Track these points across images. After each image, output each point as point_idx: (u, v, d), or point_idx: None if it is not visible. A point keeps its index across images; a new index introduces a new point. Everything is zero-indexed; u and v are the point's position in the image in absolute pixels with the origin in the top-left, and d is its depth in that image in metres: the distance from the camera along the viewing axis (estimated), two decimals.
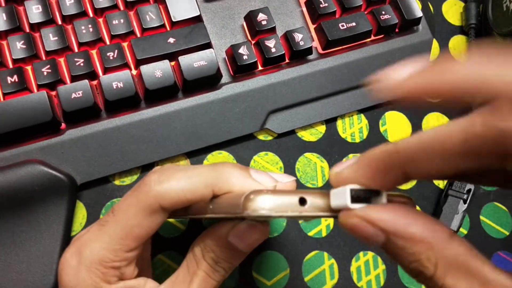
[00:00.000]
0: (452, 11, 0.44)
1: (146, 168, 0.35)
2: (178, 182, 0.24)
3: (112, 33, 0.35)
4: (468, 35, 0.42)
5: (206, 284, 0.25)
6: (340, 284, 0.34)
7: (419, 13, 0.39)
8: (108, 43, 0.35)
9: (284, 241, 0.35)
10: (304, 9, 0.39)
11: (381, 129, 0.39)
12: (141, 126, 0.34)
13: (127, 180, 0.35)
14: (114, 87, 0.33)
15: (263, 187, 0.24)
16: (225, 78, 0.37)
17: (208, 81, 0.35)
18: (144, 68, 0.34)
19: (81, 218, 0.34)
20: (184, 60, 0.35)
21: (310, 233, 0.35)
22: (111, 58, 0.34)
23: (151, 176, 0.24)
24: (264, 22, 0.37)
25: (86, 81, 0.33)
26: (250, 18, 0.37)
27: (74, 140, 0.33)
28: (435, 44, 0.42)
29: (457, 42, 0.43)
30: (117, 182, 0.35)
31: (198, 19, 0.36)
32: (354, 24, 0.38)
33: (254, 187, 0.24)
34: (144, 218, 0.24)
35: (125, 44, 0.35)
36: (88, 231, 0.26)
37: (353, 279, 0.35)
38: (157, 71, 0.34)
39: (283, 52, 0.37)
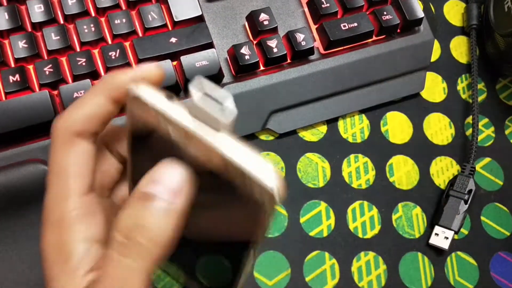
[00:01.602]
0: (454, 12, 0.44)
1: None
2: (74, 106, 0.23)
3: (114, 33, 0.35)
4: (469, 36, 0.42)
5: (130, 276, 0.20)
6: (341, 284, 0.35)
7: (420, 13, 0.39)
8: (110, 42, 0.35)
9: (285, 241, 0.35)
10: (306, 9, 0.39)
11: (383, 129, 0.39)
12: None
13: None
14: None
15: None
16: (227, 78, 0.37)
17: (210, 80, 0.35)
18: None
19: None
20: (186, 60, 0.35)
21: (311, 233, 0.35)
22: (113, 57, 0.34)
23: (54, 120, 0.23)
24: (266, 22, 0.37)
25: (88, 80, 0.33)
26: (252, 18, 0.37)
27: None
28: (436, 45, 0.42)
29: (458, 42, 0.43)
30: None
31: (200, 19, 0.36)
32: (355, 24, 0.38)
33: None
34: (69, 155, 0.22)
35: (127, 44, 0.35)
36: None
37: (354, 279, 0.35)
38: None
39: (285, 52, 0.37)
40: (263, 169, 0.18)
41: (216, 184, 0.20)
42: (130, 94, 0.20)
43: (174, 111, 0.19)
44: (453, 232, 0.36)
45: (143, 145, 0.22)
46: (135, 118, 0.21)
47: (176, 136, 0.20)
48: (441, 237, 0.36)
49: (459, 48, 0.43)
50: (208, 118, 0.19)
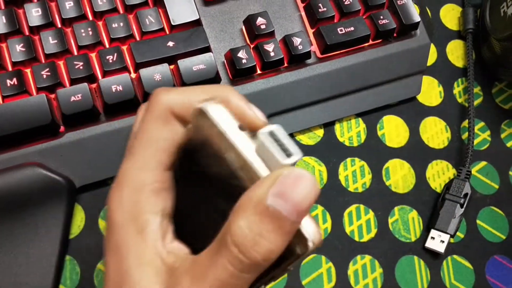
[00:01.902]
0: (450, 16, 0.44)
1: None
2: (183, 90, 0.24)
3: (111, 37, 0.35)
4: (466, 40, 0.43)
5: (234, 280, 0.19)
6: (337, 287, 0.35)
7: (417, 18, 0.39)
8: (107, 46, 0.35)
9: None
10: (303, 13, 0.39)
11: (379, 133, 0.39)
12: None
13: None
14: (113, 90, 0.33)
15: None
16: (224, 81, 0.37)
17: (207, 84, 0.35)
18: (143, 72, 0.34)
19: (79, 221, 0.34)
20: (183, 63, 0.35)
21: None
22: (111, 61, 0.34)
23: (155, 90, 0.24)
24: (263, 26, 0.37)
25: (86, 84, 0.33)
26: (249, 22, 0.37)
27: (73, 143, 0.34)
28: (432, 49, 0.42)
29: (454, 46, 0.43)
30: None
31: (197, 23, 0.37)
32: (352, 28, 0.38)
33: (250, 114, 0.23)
34: (162, 129, 0.23)
35: (124, 48, 0.35)
36: (121, 166, 0.24)
37: (351, 283, 0.35)
38: (156, 75, 0.34)
39: (282, 56, 0.37)
40: (306, 220, 0.19)
41: None
42: (206, 107, 0.21)
43: (241, 139, 0.20)
44: (449, 235, 0.36)
45: (191, 160, 0.23)
46: (198, 130, 0.22)
47: (232, 163, 0.20)
48: (437, 241, 0.36)
49: (456, 52, 0.43)
50: (271, 158, 0.19)
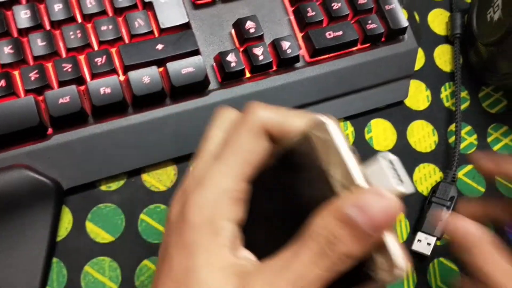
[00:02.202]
0: (438, 21, 0.44)
1: (132, 174, 0.36)
2: (281, 110, 0.25)
3: (100, 39, 0.35)
4: (453, 45, 0.43)
5: (308, 272, 0.20)
6: None
7: (405, 22, 0.39)
8: (96, 48, 0.35)
9: None
10: (292, 17, 0.39)
11: (367, 136, 0.40)
12: (128, 132, 0.34)
13: (114, 186, 0.35)
14: (102, 93, 0.33)
15: None
16: (213, 84, 0.37)
17: (196, 87, 0.36)
18: (132, 74, 0.34)
19: (67, 223, 0.34)
20: (172, 66, 0.35)
21: None
22: (99, 63, 0.34)
23: (253, 104, 0.25)
24: (252, 30, 0.37)
25: (74, 86, 0.33)
26: (238, 25, 0.37)
27: (61, 145, 0.34)
28: (420, 53, 0.43)
29: (442, 51, 0.43)
30: (103, 187, 0.35)
31: (186, 26, 0.37)
32: (340, 33, 0.38)
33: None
34: (255, 142, 0.24)
35: (113, 50, 0.35)
36: (206, 167, 0.24)
37: None
38: (145, 77, 0.34)
39: (271, 60, 0.37)
40: (397, 249, 0.20)
41: None
42: (320, 121, 0.22)
43: (350, 158, 0.21)
44: (435, 238, 0.36)
45: (277, 172, 0.24)
46: (305, 142, 0.23)
47: (336, 180, 0.22)
48: (424, 243, 0.36)
49: (443, 56, 0.43)
50: (382, 182, 0.21)
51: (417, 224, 0.37)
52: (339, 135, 0.22)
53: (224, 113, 0.27)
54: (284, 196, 0.24)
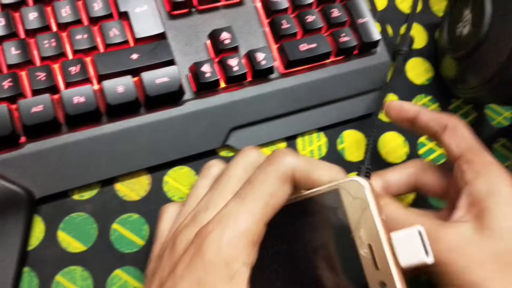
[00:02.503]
0: (410, 34, 0.45)
1: (106, 183, 0.36)
2: (310, 163, 0.26)
3: (75, 48, 0.35)
4: (425, 58, 0.44)
5: None
6: None
7: (377, 36, 0.40)
8: (71, 57, 0.35)
9: None
10: (267, 29, 0.40)
11: (339, 147, 0.40)
12: (102, 141, 0.34)
13: (86, 195, 0.35)
14: (75, 102, 0.33)
15: None
16: (187, 94, 0.37)
17: (170, 97, 0.36)
18: (106, 83, 0.34)
19: (39, 233, 0.34)
20: (146, 76, 0.35)
21: None
22: (73, 72, 0.34)
23: (284, 150, 0.26)
24: (227, 41, 0.38)
25: (47, 95, 0.33)
26: (214, 36, 0.38)
27: (33, 154, 0.33)
28: (392, 66, 0.44)
29: (413, 64, 0.44)
30: (76, 196, 0.35)
31: (162, 36, 0.37)
32: (314, 45, 0.39)
33: None
34: (279, 187, 0.24)
35: (88, 59, 0.35)
36: (226, 206, 0.24)
37: None
38: (119, 87, 0.34)
39: (246, 70, 0.37)
40: None
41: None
42: (357, 182, 0.24)
43: (379, 220, 0.23)
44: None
45: (304, 217, 0.25)
46: (332, 197, 0.24)
47: (363, 241, 0.23)
48: None
49: (415, 69, 0.44)
50: (407, 247, 0.23)
51: None
52: (373, 199, 0.23)
53: (248, 153, 0.27)
54: (294, 241, 0.25)
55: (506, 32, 0.36)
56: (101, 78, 0.35)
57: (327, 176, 0.25)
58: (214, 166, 0.29)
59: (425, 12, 0.47)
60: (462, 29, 0.41)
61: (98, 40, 0.36)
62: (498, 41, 0.37)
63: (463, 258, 0.26)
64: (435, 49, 0.44)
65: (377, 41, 0.40)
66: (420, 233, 0.24)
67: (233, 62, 0.37)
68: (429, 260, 0.23)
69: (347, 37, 0.40)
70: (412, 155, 0.41)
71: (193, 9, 0.39)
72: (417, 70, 0.44)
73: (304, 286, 0.25)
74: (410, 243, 0.23)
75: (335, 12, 0.40)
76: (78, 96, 0.34)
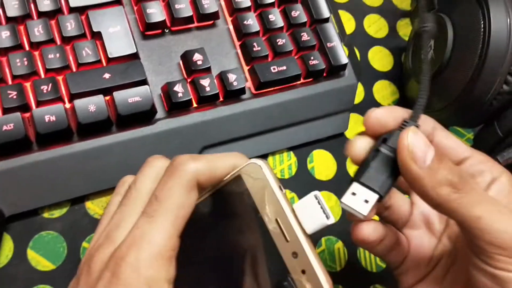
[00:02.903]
0: (377, 58, 0.47)
1: (76, 202, 0.36)
2: (209, 160, 0.25)
3: (47, 67, 0.35)
4: (391, 80, 0.46)
5: None
6: None
7: (345, 59, 0.42)
8: (43, 76, 0.35)
9: None
10: (239, 51, 0.41)
11: (309, 166, 0.41)
12: (72, 159, 0.35)
13: (56, 213, 0.35)
14: (46, 120, 0.33)
15: None
16: (160, 113, 0.38)
17: (142, 116, 0.36)
18: (78, 102, 0.34)
19: (8, 251, 0.34)
20: (118, 95, 0.36)
21: None
22: (45, 91, 0.34)
23: (181, 157, 0.25)
24: (199, 62, 0.38)
25: (18, 113, 0.33)
26: (186, 57, 0.39)
27: (3, 172, 0.33)
28: (360, 88, 0.45)
29: (380, 86, 0.46)
30: (46, 215, 0.35)
31: (135, 56, 0.38)
32: (285, 67, 0.40)
33: None
34: (186, 197, 0.24)
35: (60, 78, 0.36)
36: (136, 226, 0.24)
37: None
38: (91, 106, 0.35)
39: (217, 91, 0.38)
40: (323, 273, 0.23)
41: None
42: (254, 164, 0.25)
43: (282, 197, 0.24)
44: (377, 196, 0.26)
45: (215, 211, 0.26)
46: (236, 184, 0.25)
47: (270, 217, 0.24)
48: (360, 199, 0.26)
49: (381, 91, 0.46)
50: (309, 214, 0.24)
51: (356, 173, 0.27)
52: (271, 175, 0.25)
53: (154, 163, 0.27)
54: (211, 236, 0.26)
55: (466, 59, 0.38)
56: (72, 97, 0.35)
57: (228, 168, 0.26)
58: (127, 182, 0.28)
59: (392, 36, 0.49)
60: (427, 53, 0.43)
61: (71, 59, 0.36)
62: (459, 66, 0.39)
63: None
64: (401, 73, 0.46)
65: (345, 65, 0.42)
66: (316, 197, 0.25)
67: (205, 82, 0.38)
68: (330, 221, 0.24)
69: (316, 61, 0.41)
70: None
71: (166, 30, 0.40)
72: (384, 92, 0.46)
73: (229, 277, 0.26)
74: (310, 210, 0.24)
75: (305, 36, 0.41)
76: (49, 114, 0.34)
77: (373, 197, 0.26)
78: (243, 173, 0.25)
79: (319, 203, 0.25)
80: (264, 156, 0.41)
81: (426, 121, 0.28)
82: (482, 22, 0.37)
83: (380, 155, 0.26)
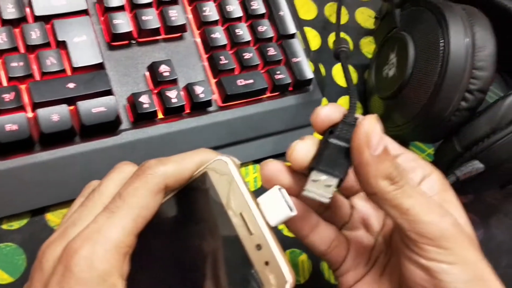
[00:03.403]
0: (341, 74, 0.48)
1: (36, 213, 0.35)
2: (177, 162, 0.26)
3: (10, 75, 0.34)
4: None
5: None
6: None
7: (310, 75, 0.42)
8: (5, 84, 0.35)
9: None
10: (206, 63, 0.41)
11: None
12: (34, 170, 0.34)
13: (16, 225, 0.34)
14: (7, 129, 0.33)
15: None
16: (124, 124, 0.37)
17: (106, 127, 0.36)
18: (41, 112, 0.34)
19: None
20: (83, 105, 0.35)
21: None
22: (7, 100, 0.33)
23: (150, 161, 0.26)
24: (166, 74, 0.38)
25: None
26: (153, 68, 0.38)
27: None
28: (324, 103, 0.46)
29: (344, 102, 0.47)
30: (4, 226, 0.34)
31: (100, 66, 0.37)
32: (251, 81, 0.41)
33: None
34: (152, 199, 0.25)
35: (23, 87, 0.35)
36: (94, 221, 0.24)
37: None
38: (54, 115, 0.34)
39: (184, 103, 0.38)
40: (286, 263, 0.23)
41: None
42: (220, 160, 0.26)
43: (247, 191, 0.25)
44: (337, 179, 0.27)
45: (184, 203, 0.26)
46: (202, 181, 0.26)
47: (235, 211, 0.25)
48: (321, 185, 0.27)
49: (345, 107, 0.46)
50: (272, 207, 0.25)
51: (312, 161, 0.27)
52: (237, 171, 0.25)
53: (122, 168, 0.27)
54: (178, 234, 0.26)
55: (427, 76, 0.39)
56: (35, 106, 0.34)
57: (197, 166, 0.26)
58: (92, 186, 0.28)
59: (356, 53, 0.50)
60: (388, 71, 0.44)
61: (35, 68, 0.36)
62: (420, 83, 0.40)
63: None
64: (364, 89, 0.47)
65: (310, 80, 0.43)
66: (280, 190, 0.26)
67: (171, 94, 0.38)
68: (293, 213, 0.25)
69: (282, 75, 0.42)
70: None
71: (133, 41, 0.40)
72: (347, 108, 0.47)
73: (194, 273, 0.26)
74: (274, 203, 0.25)
75: (271, 51, 0.42)
76: (11, 123, 0.33)
77: (334, 181, 0.27)
78: (210, 169, 0.26)
79: (282, 196, 0.25)
80: None
81: (368, 116, 0.28)
82: (441, 41, 0.39)
83: (331, 145, 0.27)
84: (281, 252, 0.24)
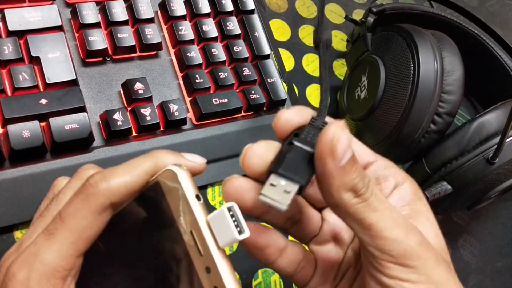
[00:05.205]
0: (314, 95, 0.49)
1: (4, 231, 0.34)
2: (123, 176, 0.24)
3: None
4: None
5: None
6: None
7: (284, 95, 0.43)
8: None
9: None
10: (181, 82, 0.41)
11: None
12: (2, 187, 0.33)
13: None
14: None
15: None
16: (97, 141, 0.37)
17: (79, 144, 0.36)
18: (12, 128, 0.33)
19: None
20: (55, 122, 0.35)
21: None
22: None
23: (94, 177, 0.24)
24: (140, 91, 0.38)
25: None
26: (127, 86, 0.38)
27: None
28: None
29: None
30: None
31: (74, 83, 0.37)
32: (226, 100, 0.41)
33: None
34: (95, 218, 0.23)
35: None
36: (33, 242, 0.23)
37: None
38: (25, 131, 0.33)
39: (158, 120, 0.38)
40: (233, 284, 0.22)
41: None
42: (170, 170, 0.23)
43: (197, 207, 0.23)
44: (297, 185, 0.24)
45: (138, 212, 0.25)
46: (154, 191, 0.24)
47: (185, 228, 0.23)
48: (279, 190, 0.24)
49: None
50: (221, 227, 0.22)
51: (272, 165, 0.24)
52: (188, 183, 0.23)
53: (82, 173, 0.26)
54: (130, 249, 0.25)
55: (397, 98, 0.41)
56: (6, 121, 0.34)
57: (149, 173, 0.24)
58: (57, 186, 0.27)
59: (329, 75, 0.51)
60: (360, 93, 0.45)
61: (6, 83, 0.35)
62: (391, 106, 0.41)
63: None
64: (337, 109, 0.48)
65: (284, 100, 0.43)
66: (230, 210, 0.23)
67: (146, 111, 0.38)
68: (242, 236, 0.22)
69: (256, 95, 0.42)
70: None
71: (108, 58, 0.40)
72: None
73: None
74: (223, 223, 0.22)
75: (246, 71, 0.42)
76: None
77: (294, 187, 0.24)
78: (161, 179, 0.23)
79: (232, 216, 0.22)
80: (203, 187, 0.41)
81: (335, 123, 0.25)
82: (412, 65, 0.40)
83: (295, 148, 0.24)
84: (231, 277, 0.22)
